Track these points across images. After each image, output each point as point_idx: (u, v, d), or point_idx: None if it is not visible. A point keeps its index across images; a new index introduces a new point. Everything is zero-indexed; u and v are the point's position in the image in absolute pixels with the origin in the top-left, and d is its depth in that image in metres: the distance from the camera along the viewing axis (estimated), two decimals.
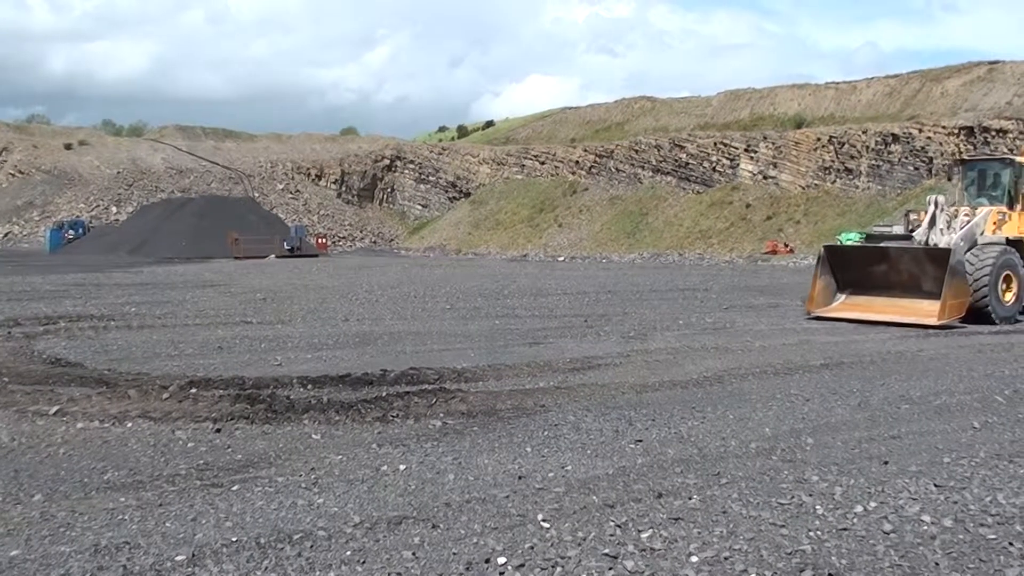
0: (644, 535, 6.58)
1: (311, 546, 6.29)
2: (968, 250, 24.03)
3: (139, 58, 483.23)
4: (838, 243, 34.55)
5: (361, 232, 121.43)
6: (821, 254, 25.77)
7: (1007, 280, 24.26)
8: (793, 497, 7.53)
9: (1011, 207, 25.78)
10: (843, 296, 25.14)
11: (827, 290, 25.12)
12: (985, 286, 23.41)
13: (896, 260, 24.27)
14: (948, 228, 24.94)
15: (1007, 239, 24.80)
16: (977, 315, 23.46)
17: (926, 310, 22.61)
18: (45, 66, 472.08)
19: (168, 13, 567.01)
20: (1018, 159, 26.47)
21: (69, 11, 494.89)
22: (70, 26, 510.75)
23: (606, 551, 6.28)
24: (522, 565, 6.04)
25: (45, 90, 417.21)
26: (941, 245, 24.11)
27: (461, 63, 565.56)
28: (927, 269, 23.38)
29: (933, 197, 26.01)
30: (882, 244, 25.65)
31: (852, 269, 25.12)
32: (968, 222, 24.87)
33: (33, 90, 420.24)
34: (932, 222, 25.15)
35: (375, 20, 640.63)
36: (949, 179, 31.81)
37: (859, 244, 28.37)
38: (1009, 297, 24.32)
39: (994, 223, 25.17)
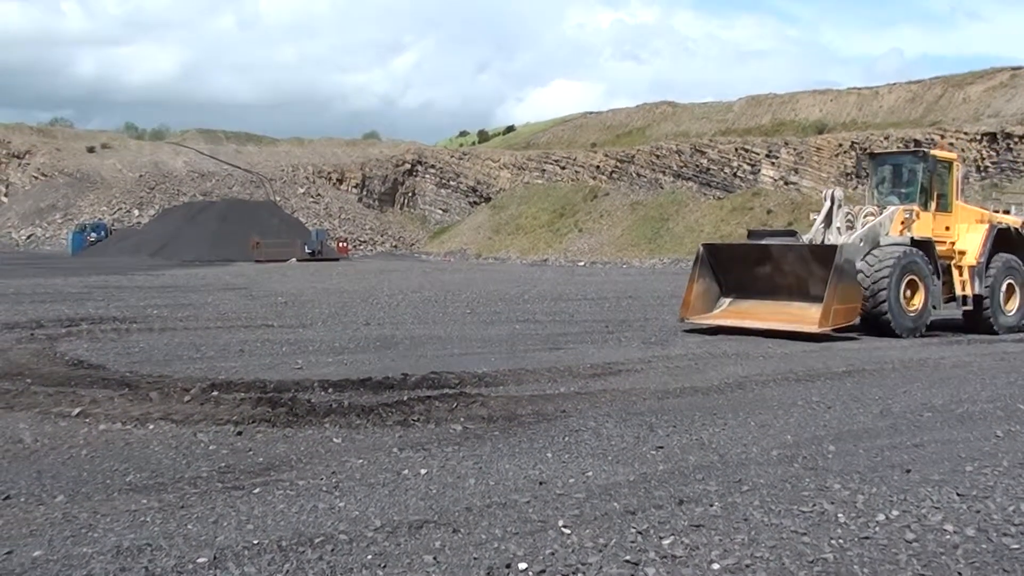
0: (665, 542, 6.56)
1: (332, 550, 6.29)
2: (869, 252, 22.16)
3: (167, 62, 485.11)
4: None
5: (382, 236, 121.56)
6: (700, 253, 23.46)
7: (911, 286, 22.11)
8: (815, 505, 7.50)
9: (925, 206, 23.74)
10: (727, 301, 23.13)
11: (707, 294, 23.00)
12: (884, 289, 21.31)
13: (780, 260, 22.23)
14: (848, 227, 23.31)
15: (912, 240, 22.63)
16: (876, 326, 21.70)
17: (811, 316, 20.53)
18: (73, 70, 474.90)
19: (199, 18, 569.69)
20: (933, 153, 24.60)
21: (100, 15, 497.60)
22: (100, 30, 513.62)
23: (627, 558, 6.27)
24: (543, 571, 6.02)
25: (72, 94, 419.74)
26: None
27: (486, 69, 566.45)
28: (814, 270, 21.25)
29: (829, 191, 24.57)
30: (764, 242, 23.75)
31: (735, 270, 23.12)
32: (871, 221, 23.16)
33: (60, 94, 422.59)
34: (828, 220, 23.67)
35: (402, 26, 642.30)
36: (858, 175, 29.80)
37: (741, 243, 26.57)
38: (915, 305, 22.16)
39: (901, 223, 23.09)
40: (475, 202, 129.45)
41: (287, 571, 5.93)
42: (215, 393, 11.86)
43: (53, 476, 8.05)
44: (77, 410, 10.77)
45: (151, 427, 10.10)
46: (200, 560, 6.04)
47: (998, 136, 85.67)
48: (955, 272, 23.68)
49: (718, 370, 15.60)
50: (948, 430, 10.86)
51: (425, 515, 7.08)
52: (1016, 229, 25.40)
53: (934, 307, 22.66)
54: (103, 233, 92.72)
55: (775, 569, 6.14)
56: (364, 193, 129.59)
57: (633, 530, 6.80)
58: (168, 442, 9.41)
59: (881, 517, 7.21)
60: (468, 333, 20.65)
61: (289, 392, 12.12)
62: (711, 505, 7.47)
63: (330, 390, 12.44)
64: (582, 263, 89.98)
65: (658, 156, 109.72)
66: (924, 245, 22.73)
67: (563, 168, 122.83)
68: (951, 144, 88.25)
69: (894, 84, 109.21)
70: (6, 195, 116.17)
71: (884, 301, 21.30)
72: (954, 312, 24.24)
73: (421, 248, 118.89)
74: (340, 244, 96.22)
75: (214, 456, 8.87)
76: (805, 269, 21.52)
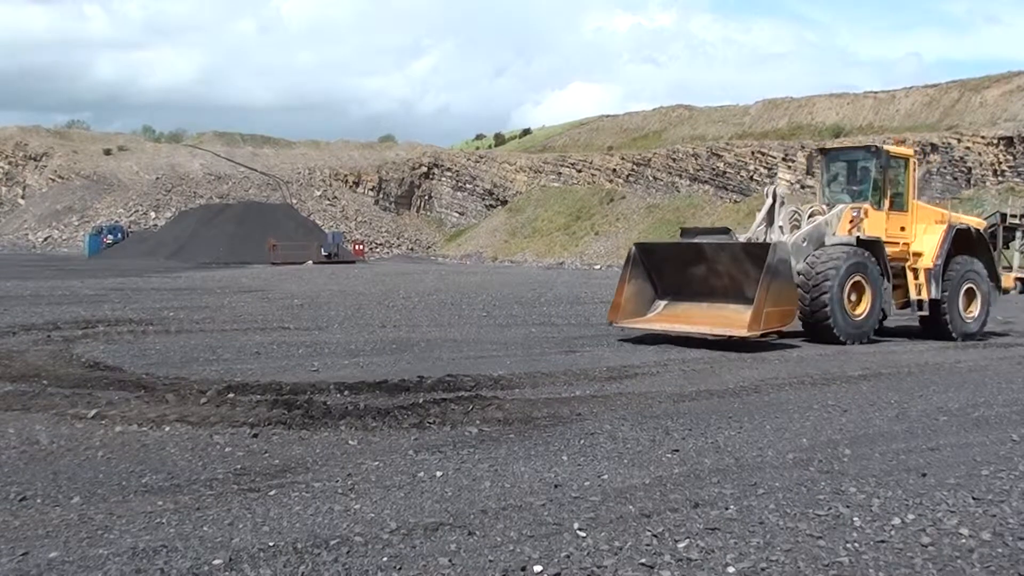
0: (681, 545, 6.56)
1: (348, 552, 6.29)
2: (812, 253, 21.12)
3: (187, 66, 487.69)
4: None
5: (398, 239, 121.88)
6: (632, 253, 21.71)
7: (857, 288, 20.93)
8: (830, 508, 7.49)
9: (878, 205, 22.45)
10: (662, 304, 21.54)
11: (639, 297, 21.38)
12: (826, 293, 20.19)
13: (714, 260, 20.59)
14: (795, 227, 22.29)
15: (858, 239, 21.39)
16: (818, 331, 20.64)
17: (744, 319, 18.97)
18: (94, 74, 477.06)
19: (220, 22, 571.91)
20: (887, 149, 23.23)
21: (122, 20, 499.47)
22: (122, 34, 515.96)
23: (642, 561, 6.26)
24: (558, 574, 6.02)
25: (92, 97, 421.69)
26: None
27: (504, 72, 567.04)
28: (748, 270, 19.62)
29: (771, 188, 23.37)
30: (696, 240, 22.10)
31: (669, 272, 21.49)
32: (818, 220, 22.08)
33: (81, 97, 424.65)
34: (770, 218, 22.46)
35: (422, 30, 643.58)
36: (809, 172, 28.06)
37: (674, 242, 23.98)
38: (861, 309, 21.00)
39: (849, 222, 21.92)
40: (491, 205, 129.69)
41: (302, 573, 5.94)
42: (231, 395, 11.88)
43: (69, 477, 8.07)
44: (93, 412, 10.80)
45: (167, 429, 10.11)
46: (216, 562, 6.05)
47: (1015, 140, 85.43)
48: (910, 275, 22.74)
49: (733, 373, 15.58)
50: (964, 434, 10.83)
51: (440, 517, 7.09)
52: (977, 230, 24.59)
53: (884, 312, 21.67)
54: (120, 235, 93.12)
55: (790, 572, 6.13)
56: (380, 196, 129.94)
57: (648, 533, 6.80)
58: (184, 444, 9.43)
59: (897, 521, 7.20)
60: (484, 336, 20.65)
61: (305, 394, 12.14)
62: (726, 508, 7.46)
63: (346, 392, 12.45)
64: (598, 266, 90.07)
65: (674, 159, 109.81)
66: (872, 245, 21.57)
67: (579, 171, 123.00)
68: (967, 148, 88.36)
69: (911, 88, 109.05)
70: (23, 197, 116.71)
71: (826, 305, 20.21)
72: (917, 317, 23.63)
73: (437, 251, 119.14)
74: (356, 247, 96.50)
75: (230, 458, 8.88)
76: (739, 269, 20.04)
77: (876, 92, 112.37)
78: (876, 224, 22.18)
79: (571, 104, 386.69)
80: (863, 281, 20.88)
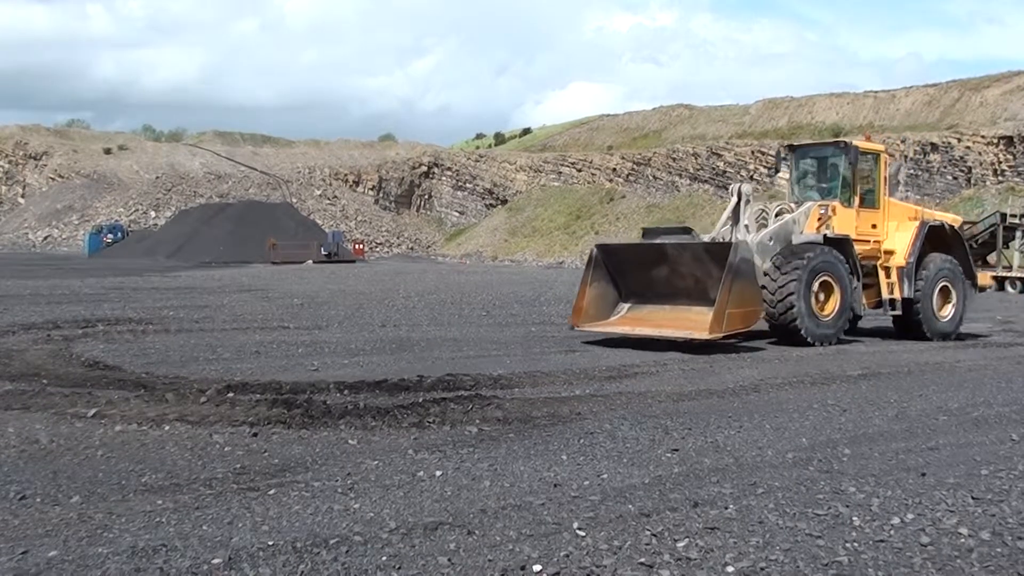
0: (680, 544, 6.56)
1: (347, 551, 6.29)
2: (779, 252, 20.48)
3: (189, 65, 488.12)
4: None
5: (398, 238, 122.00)
6: (593, 254, 21.16)
7: (825, 288, 20.37)
8: (830, 508, 7.49)
9: (848, 201, 21.98)
10: (625, 307, 20.96)
11: (602, 300, 20.84)
12: (792, 293, 19.53)
13: (677, 261, 19.95)
14: (762, 225, 21.70)
15: (825, 237, 20.72)
16: (784, 332, 20.02)
17: (705, 321, 18.32)
18: (95, 73, 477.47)
19: (222, 21, 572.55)
20: (856, 144, 22.48)
21: (125, 18, 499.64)
22: (124, 33, 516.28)
23: (642, 560, 6.26)
24: (557, 573, 6.02)
25: (94, 96, 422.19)
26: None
27: (505, 72, 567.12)
28: (712, 271, 18.98)
29: (735, 186, 22.60)
30: (658, 241, 21.27)
31: (632, 273, 20.90)
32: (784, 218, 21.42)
33: (82, 96, 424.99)
34: (735, 217, 21.96)
35: (424, 30, 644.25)
36: (777, 170, 25.61)
37: (636, 243, 23.32)
38: (829, 310, 20.44)
39: (817, 220, 21.27)
40: (491, 204, 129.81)
41: (302, 572, 5.94)
42: (231, 394, 11.88)
43: (69, 477, 8.07)
44: (93, 411, 10.80)
45: (167, 428, 10.11)
46: (215, 561, 6.05)
47: (1015, 139, 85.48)
48: (881, 273, 22.20)
49: (733, 373, 15.59)
50: (963, 434, 10.83)
51: (440, 517, 7.09)
52: (952, 226, 24.09)
53: (855, 312, 21.23)
54: (120, 234, 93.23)
55: (790, 572, 6.13)
56: (380, 195, 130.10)
57: (648, 532, 6.80)
58: (183, 443, 9.43)
59: (896, 520, 7.20)
60: (483, 335, 20.66)
61: (304, 393, 12.14)
62: (726, 508, 7.46)
63: (345, 392, 12.46)
64: None
65: (674, 159, 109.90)
66: (840, 244, 20.94)
67: (579, 171, 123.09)
68: (967, 147, 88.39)
69: (911, 87, 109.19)
70: (23, 196, 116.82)
71: (792, 306, 19.56)
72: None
73: (437, 250, 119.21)
74: (356, 246, 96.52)
75: (229, 457, 8.88)
76: (702, 270, 19.37)
77: (876, 92, 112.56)
78: (845, 222, 21.73)
79: (572, 103, 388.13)
80: (831, 281, 20.36)
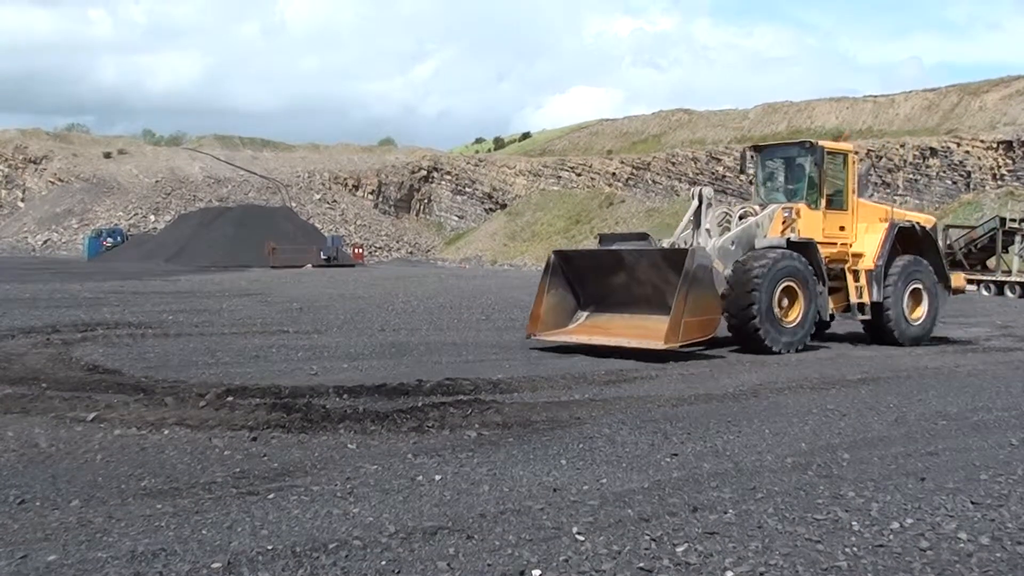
0: (679, 549, 6.56)
1: (346, 555, 6.29)
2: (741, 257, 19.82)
3: (191, 70, 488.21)
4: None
5: (397, 243, 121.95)
6: (551, 261, 20.50)
7: (789, 294, 19.67)
8: (829, 513, 7.50)
9: (815, 203, 21.28)
10: (584, 315, 20.34)
11: (560, 307, 20.20)
12: (753, 304, 18.87)
13: (634, 268, 19.30)
14: (725, 230, 20.94)
15: (789, 241, 20.10)
16: (747, 340, 19.30)
17: (662, 330, 17.68)
18: (97, 77, 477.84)
19: (224, 26, 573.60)
20: (822, 144, 21.73)
21: (127, 23, 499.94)
22: (127, 38, 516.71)
23: (641, 565, 6.26)
24: None
25: (95, 100, 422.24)
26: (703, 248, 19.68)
27: (506, 76, 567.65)
28: (669, 277, 18.29)
29: (696, 189, 21.52)
30: (614, 248, 20.66)
31: (591, 281, 20.29)
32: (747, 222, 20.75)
33: (83, 100, 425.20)
34: (696, 221, 20.93)
35: (425, 34, 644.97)
36: (742, 171, 24.72)
37: (594, 249, 22.52)
38: (794, 316, 19.75)
39: (781, 223, 20.70)
40: (491, 209, 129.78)
41: None
42: (230, 399, 11.87)
43: (68, 481, 8.07)
44: (92, 415, 10.80)
45: (166, 432, 10.12)
46: (214, 565, 6.05)
47: (1014, 144, 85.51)
48: (849, 277, 21.48)
49: (732, 377, 15.59)
50: (963, 438, 10.84)
51: (439, 521, 7.09)
52: (923, 227, 23.33)
53: (821, 317, 20.57)
54: (119, 238, 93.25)
55: None
56: (380, 199, 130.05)
57: (647, 537, 6.80)
58: (183, 447, 9.43)
59: (895, 525, 7.20)
60: (483, 340, 20.66)
61: (304, 398, 12.14)
62: (725, 512, 7.46)
63: (345, 396, 12.46)
64: None
65: (674, 163, 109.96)
66: (805, 248, 20.27)
67: (579, 175, 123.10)
68: (967, 152, 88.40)
69: (910, 92, 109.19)
70: (23, 200, 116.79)
71: (755, 315, 18.87)
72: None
73: (437, 254, 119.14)
74: (356, 250, 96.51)
75: (229, 461, 8.88)
76: (660, 277, 18.68)
77: (876, 96, 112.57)
78: (812, 224, 21.14)
79: (572, 108, 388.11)
80: (795, 286, 19.68)
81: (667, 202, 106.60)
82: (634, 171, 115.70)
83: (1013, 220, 56.27)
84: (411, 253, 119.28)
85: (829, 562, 6.38)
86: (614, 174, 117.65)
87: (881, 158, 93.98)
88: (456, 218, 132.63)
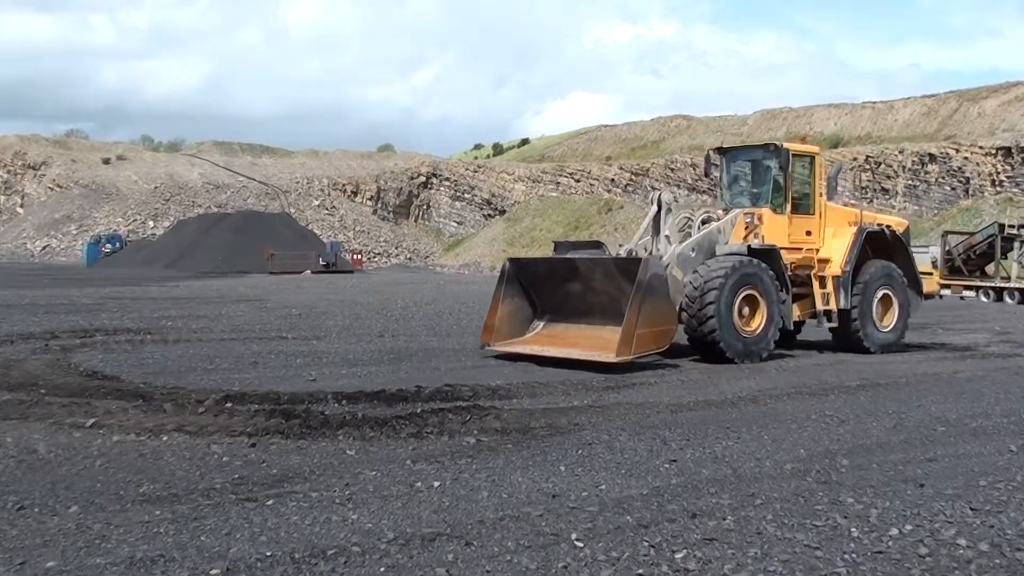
0: (678, 555, 6.56)
1: (345, 562, 6.30)
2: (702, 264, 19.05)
3: (191, 76, 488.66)
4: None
5: (396, 249, 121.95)
6: (506, 269, 19.97)
7: (750, 302, 18.92)
8: (828, 519, 7.50)
9: (780, 207, 20.61)
10: (540, 324, 19.70)
11: (515, 317, 19.58)
12: (712, 317, 18.16)
13: (589, 277, 18.68)
14: (687, 236, 20.15)
15: (749, 248, 19.41)
16: (706, 350, 18.63)
17: (615, 342, 16.99)
18: (97, 83, 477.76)
19: (226, 32, 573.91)
20: (788, 147, 20.91)
21: (129, 29, 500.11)
22: (126, 44, 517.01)
23: (640, 571, 6.27)
24: None
25: (95, 107, 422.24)
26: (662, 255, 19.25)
27: (506, 82, 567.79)
28: (624, 287, 17.55)
29: (655, 194, 21.08)
30: (568, 256, 19.97)
31: (547, 289, 19.63)
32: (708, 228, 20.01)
33: (84, 106, 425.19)
34: (655, 227, 20.50)
35: (425, 41, 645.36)
36: (706, 175, 23.96)
37: (549, 257, 21.42)
38: (755, 324, 18.97)
39: (744, 228, 19.95)
40: (489, 215, 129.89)
41: None
42: (229, 405, 11.87)
43: (67, 487, 8.07)
44: (91, 421, 10.80)
45: (165, 438, 10.12)
46: (213, 572, 6.05)
47: (1013, 150, 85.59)
48: (815, 283, 20.75)
49: (732, 383, 15.59)
50: (962, 444, 10.84)
51: (438, 528, 7.09)
52: (893, 231, 22.58)
53: (785, 326, 19.68)
54: (118, 244, 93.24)
55: None
56: (379, 205, 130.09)
57: (646, 543, 6.80)
58: (182, 453, 9.43)
59: (894, 531, 7.20)
60: None
61: (303, 404, 12.14)
62: (724, 519, 7.46)
63: (344, 402, 12.46)
64: None
65: (672, 169, 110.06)
66: (767, 254, 19.51)
67: (578, 181, 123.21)
68: (965, 158, 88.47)
69: (909, 98, 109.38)
70: (21, 206, 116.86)
71: (714, 328, 18.19)
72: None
73: (435, 260, 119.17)
74: (354, 256, 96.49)
75: (228, 468, 8.88)
76: (615, 286, 17.99)
77: (874, 102, 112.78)
78: (777, 229, 20.40)
79: (572, 114, 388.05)
80: (756, 294, 18.92)
81: None
82: (633, 177, 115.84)
83: (1012, 226, 56.33)
84: (410, 259, 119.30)
85: (828, 568, 6.39)
86: (613, 180, 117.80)
87: (880, 164, 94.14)
88: (455, 224, 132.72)
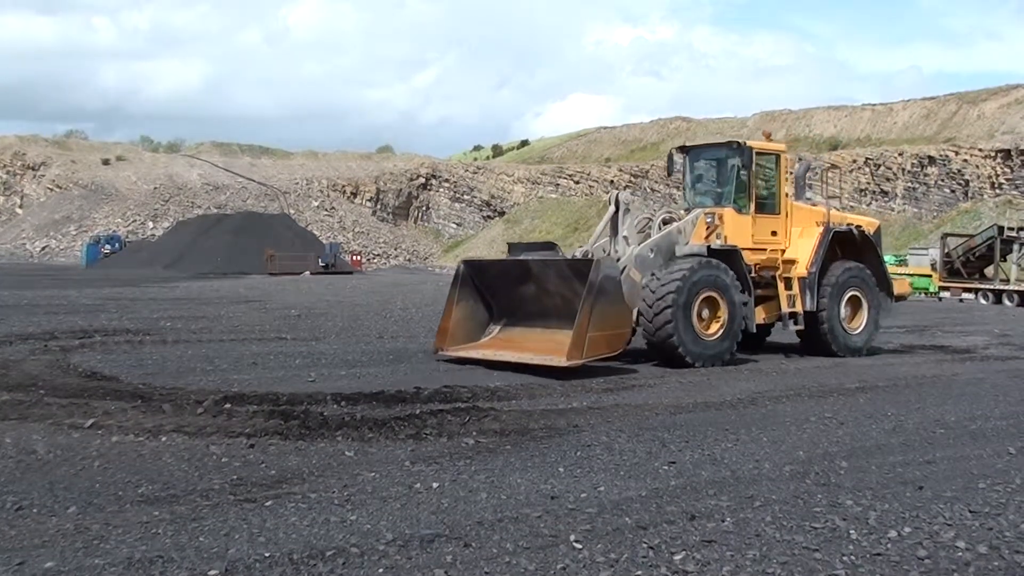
0: (677, 557, 6.56)
1: (344, 563, 6.29)
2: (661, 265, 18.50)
3: (192, 76, 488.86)
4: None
5: (396, 250, 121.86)
6: (460, 271, 19.30)
7: (710, 305, 18.38)
8: (827, 521, 7.50)
9: (743, 207, 20.13)
10: (496, 328, 19.18)
11: (470, 320, 19.05)
12: (669, 322, 17.57)
13: (543, 279, 18.19)
14: (647, 236, 19.57)
15: (709, 249, 18.81)
16: (663, 354, 18.00)
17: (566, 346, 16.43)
18: (97, 84, 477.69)
19: (226, 32, 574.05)
20: (751, 145, 20.37)
21: (129, 30, 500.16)
22: (127, 45, 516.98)
23: (638, 573, 6.27)
24: None
25: (95, 107, 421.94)
26: (619, 257, 18.84)
27: (506, 84, 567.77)
28: (578, 289, 16.93)
29: (614, 194, 20.17)
30: (522, 257, 19.47)
31: (503, 292, 19.07)
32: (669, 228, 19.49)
33: (84, 107, 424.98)
34: (614, 228, 19.78)
35: (426, 43, 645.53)
36: (669, 174, 22.67)
37: (504, 259, 20.99)
38: (715, 328, 18.39)
39: (705, 228, 19.45)
40: (489, 216, 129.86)
41: None
42: (228, 405, 11.87)
43: (66, 487, 8.07)
44: (90, 421, 10.80)
45: (164, 439, 10.11)
46: (212, 573, 6.05)
47: (1012, 153, 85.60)
48: (780, 285, 20.23)
49: (731, 385, 15.59)
50: (961, 447, 10.84)
51: (437, 529, 7.09)
52: (863, 231, 22.00)
53: (747, 329, 19.00)
54: (117, 245, 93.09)
55: None
56: (378, 207, 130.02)
57: (645, 545, 6.80)
58: (180, 454, 9.43)
59: (893, 534, 7.20)
60: None
61: (302, 405, 12.14)
62: (723, 520, 7.46)
63: (343, 403, 12.45)
64: None
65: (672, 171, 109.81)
66: (728, 255, 18.95)
67: (577, 183, 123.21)
68: (965, 160, 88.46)
69: (908, 100, 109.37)
70: (21, 207, 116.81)
71: (671, 334, 17.60)
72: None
73: (435, 262, 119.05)
74: (354, 257, 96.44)
75: (226, 468, 8.88)
76: (569, 289, 17.42)
77: (874, 104, 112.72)
78: (740, 229, 19.88)
79: (572, 115, 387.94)
80: (716, 297, 18.34)
81: None
82: (632, 179, 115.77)
83: (1011, 229, 56.30)
84: (409, 260, 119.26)
85: (827, 571, 6.39)
86: (612, 182, 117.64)
87: (879, 166, 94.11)
88: (454, 225, 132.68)
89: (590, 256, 18.87)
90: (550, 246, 21.17)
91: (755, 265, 19.93)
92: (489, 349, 18.28)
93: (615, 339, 16.94)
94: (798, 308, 20.25)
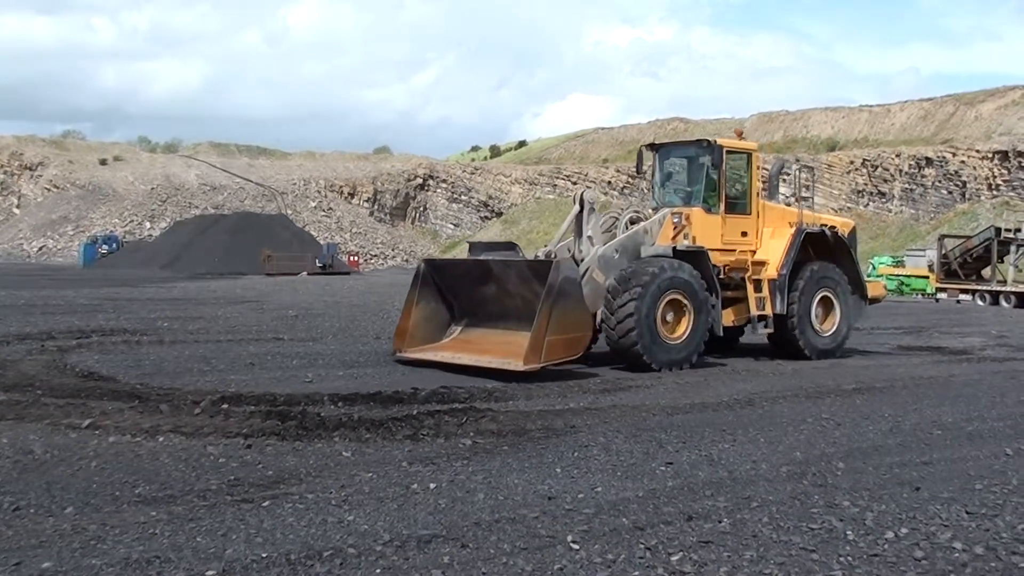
0: (674, 558, 6.56)
1: (341, 563, 6.29)
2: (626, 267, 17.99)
3: (191, 77, 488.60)
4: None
5: (393, 250, 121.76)
6: (420, 270, 19.04)
7: (675, 307, 17.90)
8: (824, 522, 7.50)
9: (713, 206, 19.74)
10: (457, 329, 18.81)
11: (431, 321, 18.69)
12: (633, 330, 17.11)
13: (503, 279, 17.81)
14: (612, 236, 19.24)
15: (675, 250, 18.34)
16: (626, 357, 17.54)
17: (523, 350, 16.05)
18: (96, 84, 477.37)
19: (226, 33, 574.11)
20: (721, 143, 19.85)
21: (128, 31, 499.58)
22: (127, 45, 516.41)
23: (636, 573, 6.27)
24: None
25: (94, 107, 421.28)
26: (583, 258, 18.55)
27: (505, 84, 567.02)
28: (537, 290, 16.54)
29: (579, 193, 19.75)
30: (482, 258, 19.02)
31: (464, 292, 18.71)
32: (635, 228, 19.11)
33: (82, 107, 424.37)
34: (578, 228, 19.39)
35: (425, 43, 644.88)
36: (639, 172, 22.60)
37: (465, 259, 20.42)
38: (680, 331, 17.93)
39: (672, 228, 18.94)
40: (486, 217, 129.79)
41: None
42: (225, 406, 11.87)
43: (63, 488, 8.07)
44: (87, 422, 10.80)
45: (161, 439, 10.11)
46: (209, 573, 6.05)
47: (1010, 154, 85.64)
48: (750, 287, 19.72)
49: (728, 386, 15.59)
50: (958, 448, 10.84)
51: (434, 530, 7.09)
52: (835, 232, 21.47)
53: (714, 332, 18.54)
54: (115, 245, 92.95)
55: None
56: (376, 207, 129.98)
57: (642, 546, 6.80)
58: (178, 455, 9.43)
59: (890, 535, 7.21)
60: None
61: (299, 405, 12.14)
62: (720, 521, 7.46)
63: (340, 404, 12.46)
64: None
65: None
66: (694, 256, 18.50)
67: (574, 183, 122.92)
68: (962, 161, 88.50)
69: (906, 102, 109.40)
70: (18, 207, 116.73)
71: (634, 333, 17.12)
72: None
73: None
74: (351, 258, 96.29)
75: (224, 469, 8.88)
76: (529, 290, 17.03)
77: (871, 106, 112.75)
78: (709, 230, 19.49)
79: (571, 116, 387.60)
80: (682, 299, 17.86)
81: None
82: (630, 180, 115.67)
83: (1008, 230, 56.30)
84: (407, 261, 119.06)
85: (824, 571, 6.39)
86: (610, 183, 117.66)
87: (876, 168, 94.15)
88: (452, 226, 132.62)
89: (553, 257, 18.53)
90: (511, 246, 20.75)
91: (724, 266, 19.67)
92: (448, 351, 17.98)
93: (574, 343, 16.61)
94: (767, 311, 19.86)
